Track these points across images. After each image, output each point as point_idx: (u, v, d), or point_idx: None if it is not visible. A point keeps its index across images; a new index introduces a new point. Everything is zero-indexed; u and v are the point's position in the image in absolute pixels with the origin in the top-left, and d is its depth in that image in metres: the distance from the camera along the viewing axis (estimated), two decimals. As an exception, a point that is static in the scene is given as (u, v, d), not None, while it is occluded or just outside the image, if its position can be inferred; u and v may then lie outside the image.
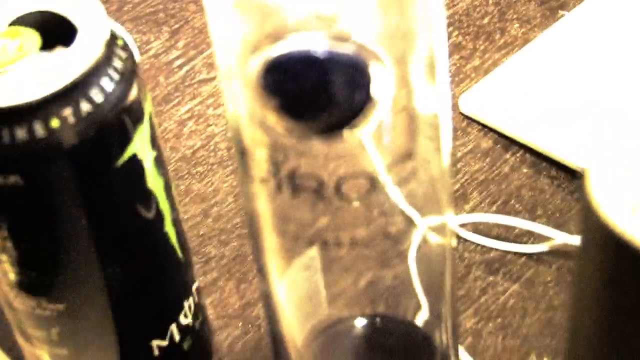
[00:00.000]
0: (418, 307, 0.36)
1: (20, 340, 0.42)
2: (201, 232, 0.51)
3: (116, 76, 0.36)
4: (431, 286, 0.35)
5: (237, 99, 0.30)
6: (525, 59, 0.56)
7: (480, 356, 0.45)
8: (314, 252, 0.32)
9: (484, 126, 0.54)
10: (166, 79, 0.59)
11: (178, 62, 0.59)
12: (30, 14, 0.37)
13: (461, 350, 0.45)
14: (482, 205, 0.51)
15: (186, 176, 0.54)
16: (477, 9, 0.60)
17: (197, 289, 0.44)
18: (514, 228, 0.49)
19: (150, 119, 0.38)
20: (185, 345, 0.43)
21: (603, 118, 0.52)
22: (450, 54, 0.58)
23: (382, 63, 0.27)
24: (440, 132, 0.31)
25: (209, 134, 0.56)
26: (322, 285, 0.34)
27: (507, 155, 0.53)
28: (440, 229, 0.33)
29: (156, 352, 0.42)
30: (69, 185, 0.35)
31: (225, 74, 0.29)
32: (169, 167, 0.54)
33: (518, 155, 0.52)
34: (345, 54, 0.27)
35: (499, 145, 0.53)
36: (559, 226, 0.49)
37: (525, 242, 0.49)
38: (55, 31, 0.36)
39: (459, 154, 0.53)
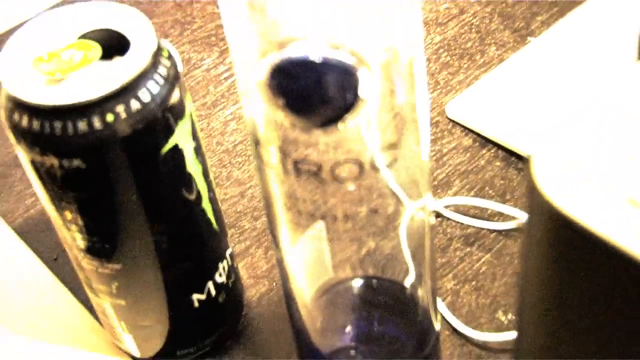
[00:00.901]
0: (405, 271, 0.34)
1: (88, 292, 0.40)
2: (238, 210, 0.49)
3: (161, 80, 0.34)
4: (415, 254, 0.33)
5: (251, 98, 0.27)
6: (499, 75, 0.53)
7: (459, 312, 0.43)
8: (317, 224, 0.30)
9: (466, 128, 0.51)
10: (215, 88, 0.57)
11: (224, 75, 0.58)
12: (95, 30, 0.35)
13: (442, 306, 0.43)
14: (463, 190, 0.48)
15: (228, 165, 0.52)
16: (462, 36, 0.58)
17: (231, 254, 0.42)
18: (487, 209, 0.47)
19: (192, 116, 0.36)
20: (220, 299, 0.41)
21: (563, 121, 0.49)
22: (440, 71, 0.55)
23: (368, 68, 0.25)
24: (419, 127, 0.28)
25: (246, 132, 0.54)
26: (324, 252, 0.32)
27: (484, 151, 0.50)
28: (421, 208, 0.31)
29: (196, 304, 0.40)
30: (122, 168, 0.34)
31: (241, 77, 0.27)
32: (214, 158, 0.52)
33: (492, 151, 0.50)
34: (338, 60, 0.25)
35: (477, 144, 0.51)
36: (524, 208, 0.46)
37: (497, 221, 0.47)
38: (114, 44, 0.34)
39: (445, 150, 0.51)
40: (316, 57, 0.25)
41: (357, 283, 0.36)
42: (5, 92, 0.33)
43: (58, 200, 0.35)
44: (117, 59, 0.34)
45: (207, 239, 0.39)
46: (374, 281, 0.36)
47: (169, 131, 0.34)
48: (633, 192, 0.19)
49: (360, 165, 0.27)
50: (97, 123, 0.32)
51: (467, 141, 0.51)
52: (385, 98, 0.26)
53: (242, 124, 0.54)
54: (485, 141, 0.51)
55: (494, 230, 0.46)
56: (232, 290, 0.42)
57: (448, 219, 0.47)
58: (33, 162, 0.34)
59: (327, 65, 0.25)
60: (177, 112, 0.34)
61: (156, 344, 0.41)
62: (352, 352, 0.37)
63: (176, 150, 0.35)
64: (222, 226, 0.40)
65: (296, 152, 0.27)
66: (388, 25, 0.26)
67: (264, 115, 0.27)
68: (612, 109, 0.21)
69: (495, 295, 0.44)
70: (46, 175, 0.34)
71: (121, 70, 0.33)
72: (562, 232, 0.19)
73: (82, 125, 0.32)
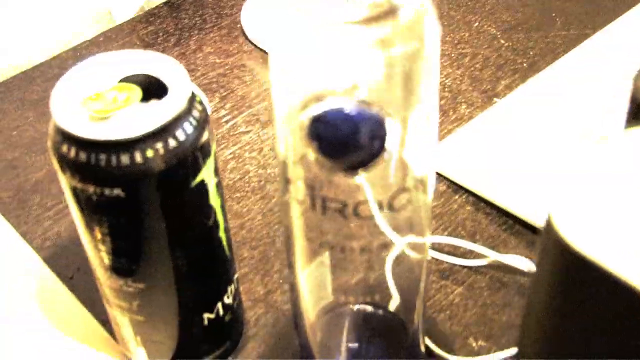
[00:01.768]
0: (396, 299, 0.35)
1: (108, 308, 0.41)
2: (238, 240, 0.50)
3: (194, 123, 0.35)
4: (408, 286, 0.34)
5: (286, 142, 0.29)
6: (470, 130, 0.55)
7: (434, 338, 0.44)
8: (326, 254, 0.31)
9: (440, 175, 0.53)
10: (216, 130, 0.58)
11: (225, 119, 0.59)
12: (135, 75, 0.36)
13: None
14: (438, 230, 0.50)
15: (228, 199, 0.53)
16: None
17: (237, 278, 0.43)
18: (459, 247, 0.49)
19: (215, 155, 0.37)
20: (226, 318, 0.42)
21: (524, 171, 0.52)
22: (418, 124, 0.57)
23: (393, 120, 0.27)
24: (428, 173, 0.30)
25: (245, 170, 0.55)
26: (328, 279, 0.33)
27: (456, 197, 0.52)
28: (420, 246, 0.33)
29: (205, 322, 0.41)
30: (156, 198, 0.35)
31: (280, 123, 0.29)
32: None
33: (463, 197, 0.52)
34: (369, 113, 0.26)
35: (450, 189, 0.52)
36: (492, 247, 0.48)
37: (468, 258, 0.48)
38: (151, 87, 0.35)
39: (422, 194, 0.52)
40: (350, 110, 0.26)
41: (357, 307, 0.37)
42: (56, 127, 0.34)
43: (93, 224, 0.36)
44: (156, 102, 0.35)
45: (220, 264, 0.40)
46: (373, 307, 0.37)
47: (198, 168, 0.35)
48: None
49: (380, 205, 0.29)
50: (138, 157, 0.33)
51: (442, 187, 0.53)
52: (402, 147, 0.28)
53: (240, 162, 0.55)
54: (458, 187, 0.52)
55: (465, 266, 0.48)
56: (236, 311, 0.43)
57: (425, 254, 0.48)
58: (75, 189, 0.35)
59: (359, 118, 0.26)
60: (205, 151, 0.36)
61: (165, 357, 0.42)
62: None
63: (202, 185, 0.36)
64: (232, 253, 0.41)
65: (325, 191, 0.28)
66: (409, 83, 0.27)
67: (299, 157, 0.28)
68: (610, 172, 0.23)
69: (467, 323, 0.45)
70: (86, 201, 0.35)
71: (160, 112, 0.34)
72: (573, 269, 0.20)
73: (125, 159, 0.33)
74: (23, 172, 0.55)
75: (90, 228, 0.36)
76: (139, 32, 0.67)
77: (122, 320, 0.40)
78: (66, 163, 0.34)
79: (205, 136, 0.35)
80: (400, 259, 0.32)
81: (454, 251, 0.49)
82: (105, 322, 0.45)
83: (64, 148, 0.34)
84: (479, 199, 0.51)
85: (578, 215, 0.22)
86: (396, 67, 0.26)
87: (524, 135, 0.54)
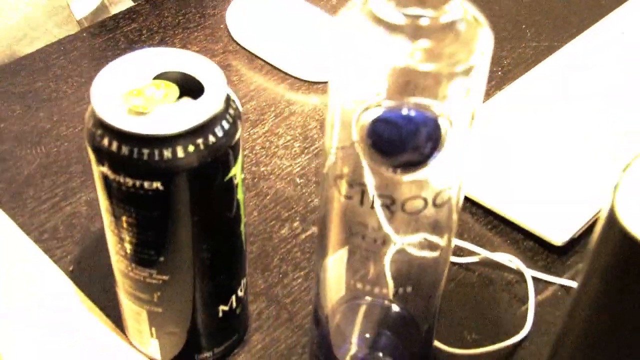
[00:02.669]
0: (423, 295, 0.37)
1: (123, 299, 0.41)
2: (235, 235, 0.51)
3: (230, 120, 0.36)
4: (431, 283, 0.36)
5: (339, 140, 0.30)
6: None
7: (431, 330, 0.46)
8: (358, 247, 0.33)
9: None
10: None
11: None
12: (168, 72, 0.37)
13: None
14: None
15: (223, 195, 0.54)
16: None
17: (248, 273, 0.44)
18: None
19: (242, 153, 0.38)
20: (237, 311, 0.43)
21: (506, 173, 0.54)
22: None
23: (450, 123, 0.29)
24: (464, 172, 0.32)
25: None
26: (359, 272, 0.35)
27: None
28: (448, 244, 0.34)
29: (220, 315, 0.42)
30: (191, 192, 0.36)
31: (335, 122, 0.30)
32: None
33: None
34: (426, 115, 0.28)
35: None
36: (480, 246, 0.51)
37: (458, 255, 0.50)
38: (186, 86, 0.36)
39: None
40: (408, 112, 0.28)
41: (379, 298, 0.38)
42: (96, 119, 0.35)
43: (124, 216, 0.36)
44: (192, 100, 0.36)
45: (238, 257, 0.41)
46: (394, 301, 0.38)
47: (231, 164, 0.36)
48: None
49: (425, 201, 0.31)
50: (180, 152, 0.34)
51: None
52: (450, 148, 0.30)
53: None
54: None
55: (456, 263, 0.50)
56: (245, 304, 0.44)
57: (418, 252, 0.50)
58: (111, 181, 0.35)
59: (418, 119, 0.28)
60: (237, 148, 0.37)
61: (178, 349, 0.43)
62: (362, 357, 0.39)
63: (232, 180, 0.37)
64: (246, 248, 0.42)
65: (375, 188, 0.30)
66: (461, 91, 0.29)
67: (351, 155, 0.30)
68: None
69: (460, 318, 0.47)
70: (121, 194, 0.36)
71: (200, 109, 0.35)
72: (634, 258, 0.23)
73: (167, 153, 0.34)
74: (14, 166, 0.55)
75: (120, 219, 0.37)
76: (123, 28, 0.67)
77: (138, 312, 0.41)
78: (105, 156, 0.35)
79: (238, 134, 0.36)
80: (427, 257, 0.34)
81: (445, 249, 0.51)
82: (110, 314, 0.46)
83: (105, 141, 0.34)
84: (465, 199, 0.54)
85: None
86: (451, 77, 0.28)
87: (504, 139, 0.57)
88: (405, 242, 0.32)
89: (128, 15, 0.68)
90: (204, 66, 0.37)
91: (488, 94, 0.62)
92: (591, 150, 0.56)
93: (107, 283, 0.48)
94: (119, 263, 0.39)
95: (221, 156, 0.36)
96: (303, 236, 0.52)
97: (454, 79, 0.28)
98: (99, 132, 0.35)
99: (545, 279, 0.49)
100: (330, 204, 0.33)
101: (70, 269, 0.49)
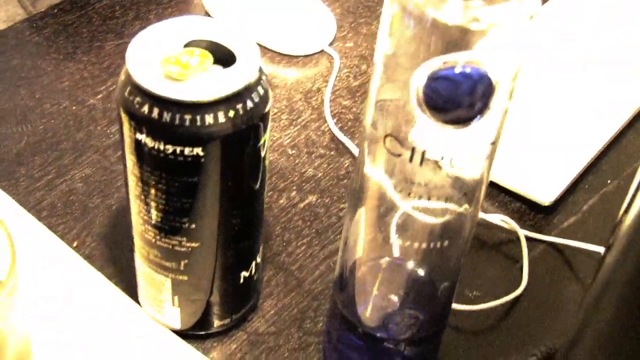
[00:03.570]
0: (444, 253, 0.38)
1: (147, 269, 0.42)
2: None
3: (266, 86, 0.37)
4: (458, 242, 0.37)
5: (390, 96, 0.31)
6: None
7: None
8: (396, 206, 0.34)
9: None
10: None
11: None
12: (198, 40, 0.37)
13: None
14: (421, 194, 0.54)
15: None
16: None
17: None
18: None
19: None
20: (255, 277, 0.44)
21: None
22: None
23: (498, 81, 0.30)
24: (505, 127, 0.33)
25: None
26: (384, 229, 0.36)
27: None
28: (478, 203, 0.36)
29: (241, 280, 0.43)
30: (229, 158, 0.36)
31: (384, 78, 0.31)
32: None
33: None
34: (479, 73, 0.30)
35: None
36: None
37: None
38: (217, 54, 0.37)
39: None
40: (462, 71, 0.30)
41: (406, 261, 0.40)
42: (134, 86, 0.35)
43: (157, 184, 0.37)
44: (225, 68, 0.36)
45: (259, 223, 0.42)
46: (426, 258, 0.39)
47: (264, 129, 0.37)
48: None
49: (472, 158, 0.32)
50: (221, 118, 0.35)
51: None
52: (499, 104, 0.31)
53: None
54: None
55: (451, 226, 0.52)
56: (260, 270, 0.45)
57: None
58: (146, 148, 0.36)
59: (470, 78, 0.30)
60: (268, 116, 0.38)
61: (198, 317, 0.43)
62: (385, 318, 0.41)
63: (263, 146, 0.38)
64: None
65: (424, 145, 0.32)
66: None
67: (405, 111, 0.31)
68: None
69: (460, 277, 0.49)
70: (157, 161, 0.36)
71: (236, 76, 0.36)
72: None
73: (209, 119, 0.35)
74: (2, 144, 0.54)
75: (152, 188, 0.37)
76: (94, 5, 0.66)
77: (161, 282, 0.41)
78: (144, 123, 0.35)
79: (270, 101, 0.37)
80: (463, 213, 0.36)
81: (440, 212, 0.53)
82: (120, 286, 0.46)
83: (145, 108, 0.35)
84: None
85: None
86: (500, 34, 0.30)
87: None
88: (449, 199, 0.34)
89: (100, -10, 0.68)
90: (235, 35, 0.37)
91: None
92: (572, 110, 0.59)
93: (113, 256, 0.48)
94: (145, 233, 0.40)
95: (256, 122, 0.36)
96: (301, 205, 0.53)
97: (503, 35, 0.30)
98: (138, 99, 0.35)
99: (536, 237, 0.52)
100: (373, 163, 0.34)
101: (75, 244, 0.49)
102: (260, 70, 0.37)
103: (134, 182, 0.38)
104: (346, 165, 0.56)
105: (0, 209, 0.49)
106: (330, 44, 0.64)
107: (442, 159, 0.32)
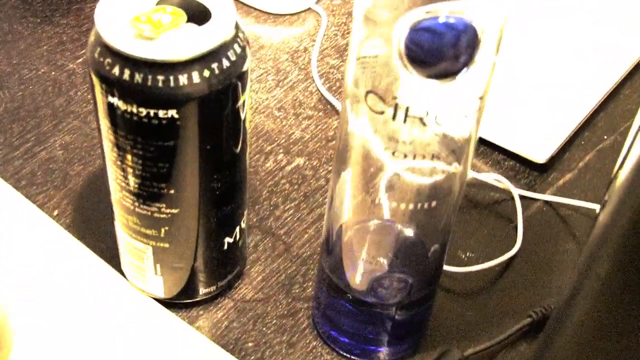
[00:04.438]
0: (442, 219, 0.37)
1: (128, 237, 0.40)
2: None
3: (242, 44, 0.35)
4: (447, 202, 0.36)
5: (370, 50, 0.30)
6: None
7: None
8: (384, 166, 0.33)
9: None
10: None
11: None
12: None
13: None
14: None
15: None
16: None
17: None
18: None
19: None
20: (240, 243, 0.43)
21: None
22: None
23: (482, 33, 0.29)
24: (491, 83, 0.32)
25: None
26: (370, 190, 0.35)
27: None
28: (466, 160, 0.35)
29: (225, 247, 0.42)
30: (205, 119, 0.35)
31: (364, 30, 0.30)
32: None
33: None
34: (464, 24, 0.28)
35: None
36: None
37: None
38: (191, 11, 0.35)
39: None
40: (446, 21, 0.28)
41: (396, 218, 0.38)
42: (104, 46, 0.33)
43: (133, 149, 0.35)
44: (199, 26, 0.35)
45: (243, 190, 0.41)
46: (414, 217, 0.38)
47: (243, 89, 0.36)
48: None
49: (459, 114, 0.31)
50: (196, 78, 0.33)
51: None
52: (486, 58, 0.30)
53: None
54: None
55: (443, 186, 0.51)
56: (246, 236, 0.44)
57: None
58: (119, 112, 0.34)
59: (454, 28, 0.28)
60: (246, 75, 0.36)
61: (182, 285, 0.42)
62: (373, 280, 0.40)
63: (242, 107, 0.37)
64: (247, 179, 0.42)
65: (407, 101, 0.30)
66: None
67: (385, 65, 0.30)
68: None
69: (452, 238, 0.48)
70: (131, 124, 0.34)
71: (211, 34, 0.34)
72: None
73: (182, 79, 0.33)
74: (-22, 111, 0.53)
75: (128, 153, 0.36)
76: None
77: (142, 250, 0.40)
78: (115, 85, 0.33)
79: (248, 60, 0.36)
80: (450, 172, 0.34)
81: (431, 173, 0.51)
82: (102, 256, 0.45)
83: (115, 70, 0.33)
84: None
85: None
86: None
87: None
88: (436, 157, 0.32)
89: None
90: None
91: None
92: (567, 65, 0.57)
93: (94, 225, 0.47)
94: (123, 200, 0.38)
95: (234, 82, 0.35)
96: (289, 168, 0.51)
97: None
98: (108, 60, 0.33)
99: (530, 196, 0.51)
100: (356, 121, 0.32)
101: (55, 213, 0.47)
102: (237, 27, 0.35)
103: (109, 148, 0.37)
104: (334, 126, 0.54)
105: (-23, 179, 0.48)
106: (317, 1, 0.63)
107: (427, 115, 0.30)
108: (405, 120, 0.31)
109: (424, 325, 0.43)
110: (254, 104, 0.55)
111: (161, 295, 0.43)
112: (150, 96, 0.33)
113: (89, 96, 0.54)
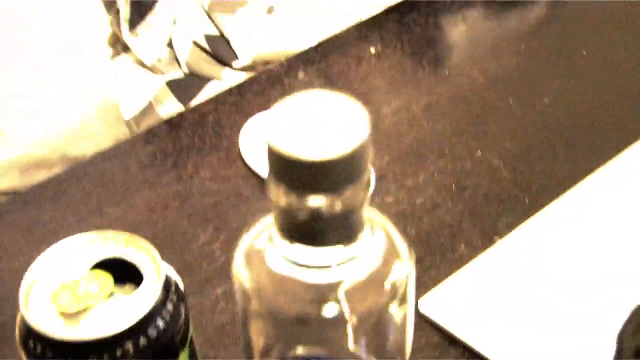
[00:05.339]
0: None
1: None
2: None
3: (170, 309, 0.34)
4: None
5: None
6: (470, 274, 0.54)
7: None
8: None
9: (435, 326, 0.51)
10: (208, 265, 0.56)
11: (217, 253, 0.57)
12: (106, 259, 0.35)
13: None
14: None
15: (215, 345, 0.51)
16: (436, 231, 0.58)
17: None
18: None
19: (192, 339, 0.36)
20: None
21: (524, 323, 0.50)
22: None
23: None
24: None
25: (235, 312, 0.53)
26: None
27: (451, 350, 0.50)
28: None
29: None
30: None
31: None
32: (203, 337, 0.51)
33: (459, 351, 0.50)
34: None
35: (446, 342, 0.51)
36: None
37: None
38: (125, 272, 0.34)
39: (415, 346, 0.50)
40: None
41: None
42: (26, 324, 0.33)
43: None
44: (129, 293, 0.34)
45: None
46: None
47: (178, 347, 0.34)
48: None
49: None
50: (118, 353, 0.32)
51: (437, 338, 0.51)
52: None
53: (231, 303, 0.54)
54: (454, 340, 0.50)
55: None
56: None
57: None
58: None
59: None
60: (183, 330, 0.34)
61: None
62: None
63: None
64: None
65: None
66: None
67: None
68: None
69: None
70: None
71: (135, 304, 0.33)
72: None
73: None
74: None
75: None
76: (137, 151, 0.66)
77: None
78: None
79: (180, 323, 0.34)
80: None
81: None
82: None
83: (38, 350, 0.32)
84: (474, 355, 0.49)
85: None
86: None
87: (527, 283, 0.52)
88: None
89: (144, 136, 0.68)
90: (141, 250, 0.35)
91: (511, 227, 0.57)
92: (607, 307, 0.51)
93: None
94: None
95: (165, 345, 0.33)
96: None
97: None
98: (31, 341, 0.33)
99: None
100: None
101: None
102: (169, 289, 0.34)
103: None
104: None
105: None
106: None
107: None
108: None
109: None
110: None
111: None
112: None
113: None
